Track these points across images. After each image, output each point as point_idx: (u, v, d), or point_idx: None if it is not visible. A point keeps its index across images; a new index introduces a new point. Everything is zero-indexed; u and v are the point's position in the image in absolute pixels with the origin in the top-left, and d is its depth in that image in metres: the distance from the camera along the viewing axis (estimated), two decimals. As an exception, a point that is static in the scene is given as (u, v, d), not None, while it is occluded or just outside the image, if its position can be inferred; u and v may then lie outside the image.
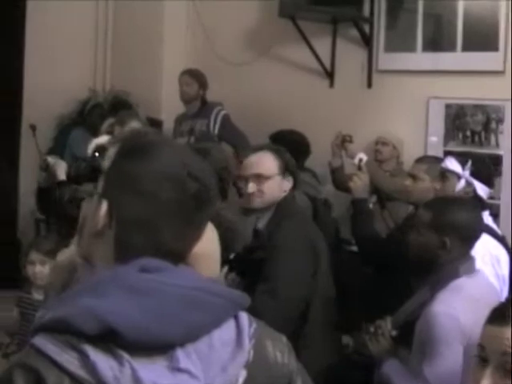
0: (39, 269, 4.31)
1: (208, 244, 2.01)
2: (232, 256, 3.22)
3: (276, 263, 3.68)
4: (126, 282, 1.32)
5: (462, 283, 3.17)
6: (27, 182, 7.53)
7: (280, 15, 6.67)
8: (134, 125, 5.90)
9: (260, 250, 3.72)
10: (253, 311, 1.44)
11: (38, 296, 4.34)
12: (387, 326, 3.40)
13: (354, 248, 4.96)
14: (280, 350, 1.46)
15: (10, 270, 5.67)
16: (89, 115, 7.62)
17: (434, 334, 3.00)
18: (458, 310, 3.01)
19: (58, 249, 3.86)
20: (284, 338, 1.51)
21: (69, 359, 1.25)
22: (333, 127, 6.19)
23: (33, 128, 6.96)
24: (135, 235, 1.41)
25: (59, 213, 4.83)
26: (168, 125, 7.14)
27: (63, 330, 1.27)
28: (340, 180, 5.93)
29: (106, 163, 2.52)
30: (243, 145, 6.28)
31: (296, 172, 4.06)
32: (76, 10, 7.95)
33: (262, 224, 3.91)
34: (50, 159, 4.91)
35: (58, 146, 7.54)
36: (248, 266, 3.54)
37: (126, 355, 1.27)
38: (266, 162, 3.94)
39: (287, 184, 3.97)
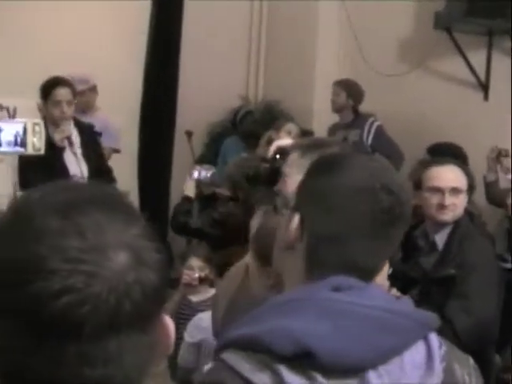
0: (198, 274, 4.44)
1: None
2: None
3: (472, 281, 3.62)
4: (319, 301, 1.32)
5: None
6: (180, 187, 7.66)
7: (435, 27, 6.62)
8: (290, 127, 5.98)
9: (444, 266, 3.70)
10: (445, 328, 1.42)
11: (194, 298, 4.48)
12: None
13: (508, 265, 4.87)
14: (467, 373, 1.43)
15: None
16: (241, 123, 7.73)
17: None
18: None
19: (214, 256, 3.97)
20: (471, 360, 1.48)
21: (262, 378, 1.25)
22: (487, 141, 6.08)
23: (189, 134, 7.09)
24: (326, 250, 1.41)
25: (216, 221, 4.94)
26: (319, 134, 7.17)
27: (256, 349, 1.27)
28: (494, 194, 5.83)
29: (286, 166, 2.57)
30: (397, 156, 6.26)
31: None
32: (229, 19, 8.09)
33: (440, 239, 3.87)
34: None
35: (210, 153, 7.67)
36: (432, 282, 3.51)
37: (319, 377, 1.27)
38: (460, 176, 3.92)
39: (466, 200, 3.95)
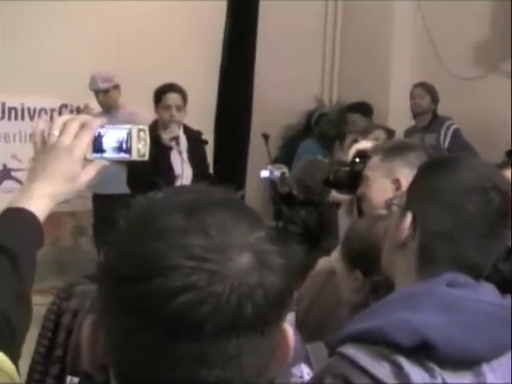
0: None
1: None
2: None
3: None
4: (437, 296, 1.37)
5: None
6: (255, 190, 7.72)
7: (513, 29, 6.59)
8: (378, 134, 6.00)
9: None
10: None
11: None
12: None
13: None
14: None
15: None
16: (316, 125, 7.77)
17: None
18: None
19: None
20: None
21: (381, 370, 1.29)
22: None
23: (265, 137, 7.14)
24: (439, 247, 1.46)
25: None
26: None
27: (376, 341, 1.31)
28: None
29: (368, 170, 2.59)
30: (474, 159, 6.22)
31: None
32: (304, 22, 8.13)
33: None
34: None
35: (285, 156, 7.72)
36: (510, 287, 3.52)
37: (437, 368, 1.31)
38: None
39: None
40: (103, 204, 6.16)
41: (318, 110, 8.00)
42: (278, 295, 0.90)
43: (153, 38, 7.27)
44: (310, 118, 7.95)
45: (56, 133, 1.45)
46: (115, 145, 1.49)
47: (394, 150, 2.59)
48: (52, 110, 7.11)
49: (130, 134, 1.50)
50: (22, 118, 7.01)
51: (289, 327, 0.97)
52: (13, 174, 6.96)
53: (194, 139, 5.60)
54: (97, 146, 1.47)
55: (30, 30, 6.73)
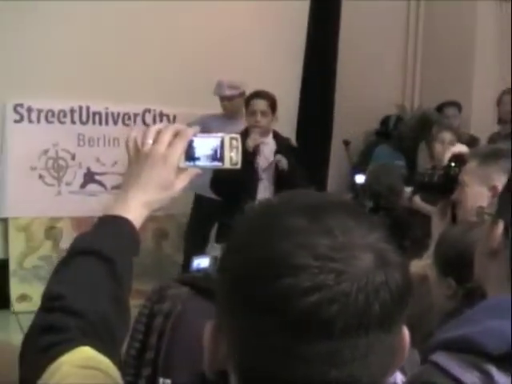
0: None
1: None
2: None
3: None
4: None
5: None
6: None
7: None
8: (444, 136, 5.95)
9: None
10: None
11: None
12: None
13: None
14: None
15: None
16: (393, 130, 7.73)
17: None
18: None
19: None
20: None
21: (471, 378, 1.26)
22: None
23: (346, 143, 7.16)
24: None
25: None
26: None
27: (467, 349, 1.28)
28: None
29: (464, 175, 2.56)
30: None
31: None
32: (385, 27, 8.12)
33: None
34: None
35: (365, 161, 7.71)
36: None
37: None
38: None
39: None
40: (204, 205, 6.31)
41: (394, 116, 7.94)
42: (400, 292, 0.92)
43: (236, 48, 7.34)
44: (385, 122, 7.91)
45: (150, 141, 1.46)
46: (208, 153, 1.51)
47: (491, 155, 2.55)
48: (135, 115, 7.22)
49: (222, 143, 1.52)
50: (106, 123, 7.13)
51: (405, 328, 0.98)
52: (96, 177, 7.10)
53: (284, 144, 5.65)
54: (190, 154, 1.50)
55: (115, 36, 6.85)
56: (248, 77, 6.46)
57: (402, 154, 7.39)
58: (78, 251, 1.38)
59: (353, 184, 6.12)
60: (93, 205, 6.52)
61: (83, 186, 7.07)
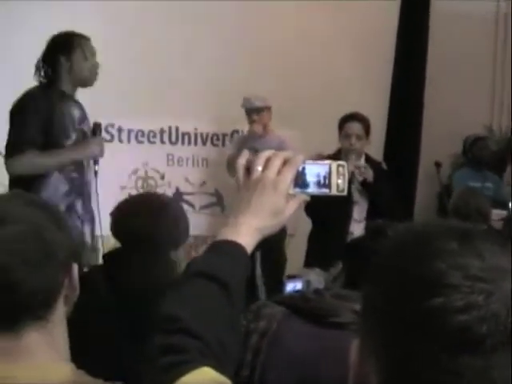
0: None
1: None
2: None
3: None
4: None
5: None
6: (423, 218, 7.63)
7: None
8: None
9: None
10: None
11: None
12: None
13: None
14: None
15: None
16: (470, 151, 7.61)
17: None
18: None
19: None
20: None
21: None
22: None
23: (438, 165, 7.06)
24: None
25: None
26: None
27: None
28: None
29: None
30: None
31: None
32: (473, 48, 8.03)
33: None
34: None
35: (452, 185, 7.63)
36: None
37: None
38: None
39: None
40: None
41: (474, 137, 7.77)
42: None
43: (321, 63, 7.38)
44: (471, 145, 7.74)
45: (260, 168, 1.49)
46: (316, 179, 1.53)
47: None
48: (224, 135, 7.30)
49: (330, 169, 1.54)
50: (195, 143, 7.24)
51: None
52: (185, 197, 7.18)
53: (377, 168, 5.64)
54: (299, 181, 1.53)
55: (206, 58, 6.96)
56: (336, 98, 6.48)
57: (487, 176, 7.30)
58: (195, 273, 1.41)
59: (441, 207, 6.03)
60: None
61: (172, 205, 7.15)
